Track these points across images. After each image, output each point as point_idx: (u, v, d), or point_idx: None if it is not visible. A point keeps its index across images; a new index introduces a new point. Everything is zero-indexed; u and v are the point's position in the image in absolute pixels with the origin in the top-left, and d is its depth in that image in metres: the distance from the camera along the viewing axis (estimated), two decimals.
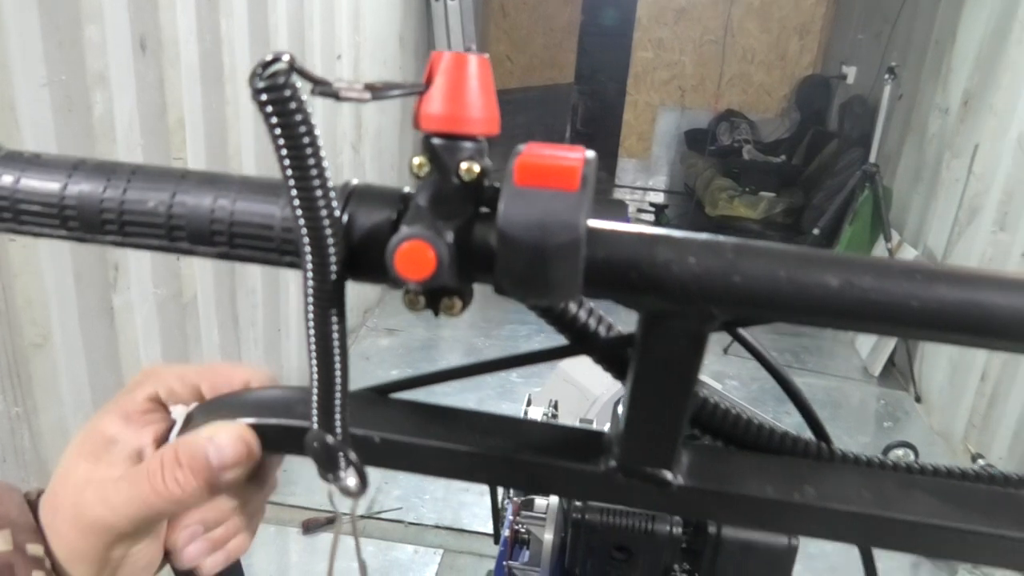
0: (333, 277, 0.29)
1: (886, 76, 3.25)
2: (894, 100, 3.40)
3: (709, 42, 5.54)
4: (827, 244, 3.68)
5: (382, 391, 0.40)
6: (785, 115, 5.53)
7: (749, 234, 4.41)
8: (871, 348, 3.42)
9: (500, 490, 1.39)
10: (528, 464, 0.36)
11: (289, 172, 0.26)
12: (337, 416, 0.31)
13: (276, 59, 0.25)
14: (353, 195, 0.31)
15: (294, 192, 0.27)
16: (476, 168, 0.29)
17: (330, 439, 0.31)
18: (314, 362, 0.30)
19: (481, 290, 0.32)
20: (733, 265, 0.29)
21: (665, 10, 5.51)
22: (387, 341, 3.21)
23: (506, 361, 0.40)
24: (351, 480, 0.32)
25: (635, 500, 0.37)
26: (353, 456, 0.32)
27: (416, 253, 0.28)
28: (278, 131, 0.26)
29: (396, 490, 2.31)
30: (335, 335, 0.30)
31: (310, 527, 2.15)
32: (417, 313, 0.31)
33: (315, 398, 0.31)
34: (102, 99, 1.33)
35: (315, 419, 0.31)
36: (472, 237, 0.29)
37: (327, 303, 0.29)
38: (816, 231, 3.35)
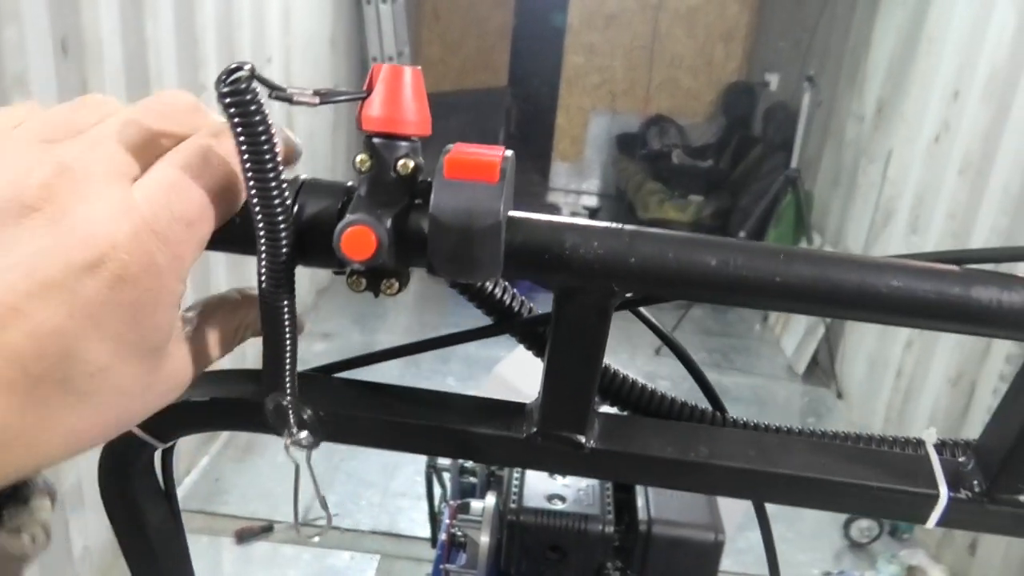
0: (284, 259, 0.32)
1: (805, 84, 3.38)
2: (814, 107, 3.53)
3: (638, 47, 5.64)
4: None
5: (325, 371, 0.44)
6: (712, 120, 5.67)
7: None
8: (795, 347, 3.54)
9: (437, 494, 1.39)
10: (458, 433, 0.40)
11: (247, 167, 0.30)
12: (287, 379, 0.35)
13: (239, 67, 0.29)
14: (303, 188, 0.35)
15: (251, 184, 0.30)
16: (411, 164, 0.34)
17: (285, 401, 0.35)
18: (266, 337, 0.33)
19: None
20: (630, 248, 0.34)
21: (595, 16, 5.59)
22: (322, 346, 3.18)
23: (437, 341, 0.46)
24: (303, 435, 0.36)
25: (552, 462, 0.41)
26: (307, 412, 0.36)
27: (359, 236, 0.32)
28: (239, 130, 0.29)
29: (332, 496, 2.30)
30: (285, 313, 0.33)
31: (244, 536, 2.12)
32: (359, 293, 0.36)
33: (268, 366, 0.34)
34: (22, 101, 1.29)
35: (268, 385, 0.35)
36: (408, 224, 0.34)
37: (278, 284, 0.32)
38: (742, 234, 3.45)
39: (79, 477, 1.72)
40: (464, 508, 0.87)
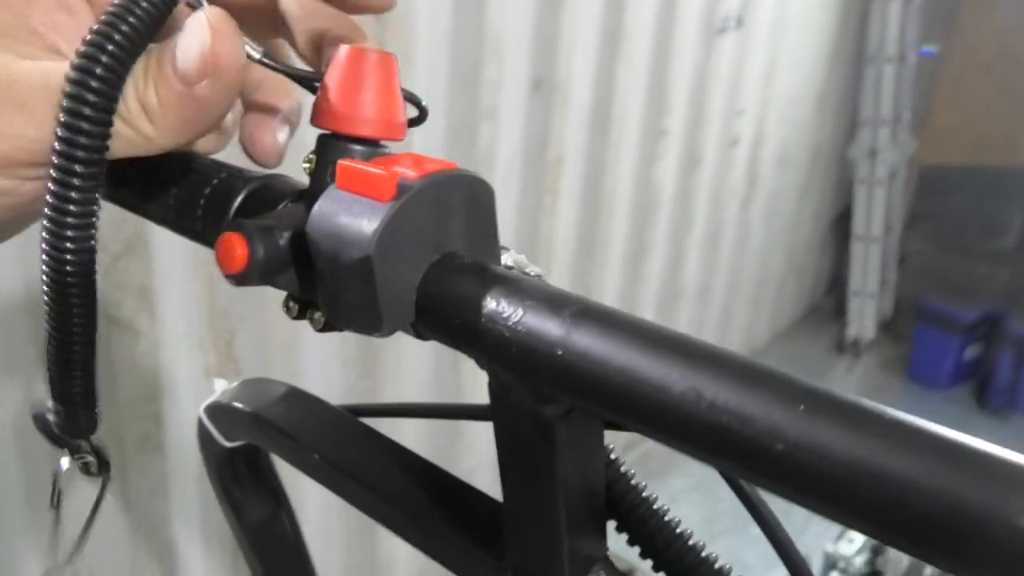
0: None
1: None
2: None
3: None
4: None
5: (354, 411, 0.41)
6: None
7: None
8: None
9: None
10: (429, 525, 0.34)
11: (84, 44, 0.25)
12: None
13: None
14: (261, 185, 0.31)
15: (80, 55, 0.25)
16: None
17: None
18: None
19: None
20: (564, 335, 0.22)
21: None
22: None
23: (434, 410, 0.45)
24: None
25: None
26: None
27: (229, 246, 0.26)
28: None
29: None
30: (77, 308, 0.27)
31: None
32: (293, 320, 0.30)
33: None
34: (489, 131, 1.47)
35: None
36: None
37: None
38: None
39: None
40: None
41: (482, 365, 0.26)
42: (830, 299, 3.88)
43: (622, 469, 0.32)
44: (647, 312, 2.32)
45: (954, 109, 4.81)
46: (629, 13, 1.77)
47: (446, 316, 0.25)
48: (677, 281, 2.42)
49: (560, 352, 0.22)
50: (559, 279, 1.89)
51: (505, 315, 0.24)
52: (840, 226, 3.63)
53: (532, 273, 0.30)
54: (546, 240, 1.74)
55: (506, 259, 0.31)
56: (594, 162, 1.84)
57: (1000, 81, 4.77)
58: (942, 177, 4.20)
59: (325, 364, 1.34)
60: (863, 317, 3.42)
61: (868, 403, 0.18)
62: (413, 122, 0.31)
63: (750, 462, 0.19)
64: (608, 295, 2.10)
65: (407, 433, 1.48)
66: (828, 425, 0.18)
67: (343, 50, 0.28)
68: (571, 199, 1.81)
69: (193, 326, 1.09)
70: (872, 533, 0.18)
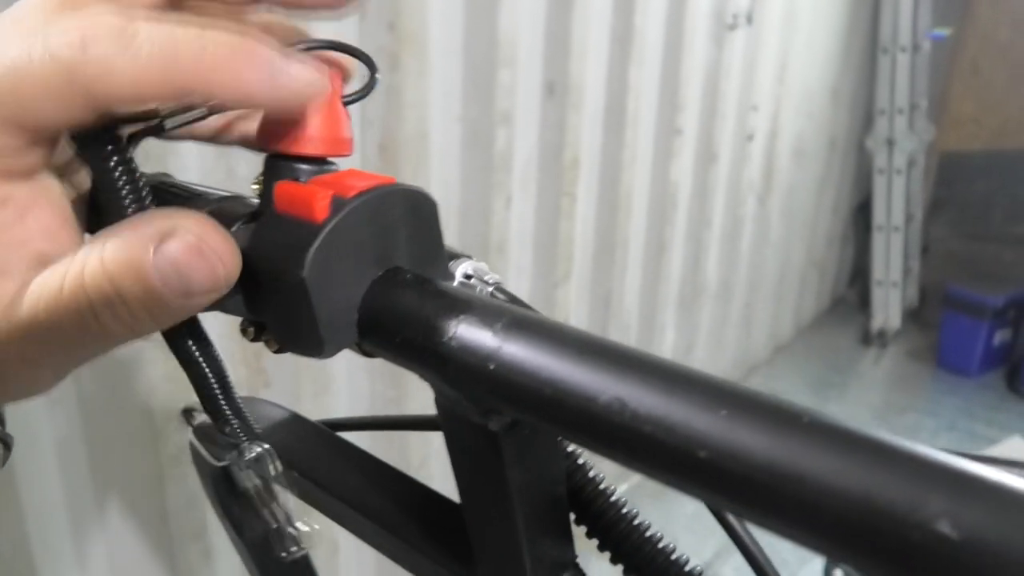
0: None
1: None
2: None
3: None
4: None
5: (331, 426, 0.42)
6: None
7: None
8: None
9: None
10: (405, 543, 0.34)
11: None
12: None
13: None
14: (215, 210, 0.30)
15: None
16: None
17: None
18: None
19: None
20: (496, 348, 0.22)
21: None
22: None
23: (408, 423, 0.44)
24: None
25: None
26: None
27: None
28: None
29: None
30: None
31: None
32: (251, 342, 0.29)
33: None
34: (505, 135, 1.48)
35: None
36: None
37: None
38: None
39: None
40: None
41: (426, 379, 0.26)
42: (854, 291, 3.86)
43: (590, 474, 0.32)
44: (669, 311, 2.32)
45: (972, 95, 4.76)
46: (638, 13, 1.78)
47: (387, 334, 0.25)
48: (697, 279, 2.42)
49: (492, 366, 0.22)
50: (580, 281, 1.90)
51: (441, 331, 0.23)
52: (861, 217, 3.62)
53: (491, 281, 0.30)
54: (565, 242, 1.75)
55: (465, 268, 0.30)
56: (610, 163, 1.85)
57: (1018, 65, 4.72)
58: (963, 164, 4.16)
59: (352, 375, 1.36)
60: (888, 307, 3.40)
61: (791, 404, 0.18)
62: (361, 93, 0.29)
63: (675, 470, 0.19)
64: (629, 295, 2.11)
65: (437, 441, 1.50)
66: (749, 430, 0.18)
67: None
68: (588, 201, 1.82)
69: (223, 340, 1.11)
70: (793, 537, 0.17)
